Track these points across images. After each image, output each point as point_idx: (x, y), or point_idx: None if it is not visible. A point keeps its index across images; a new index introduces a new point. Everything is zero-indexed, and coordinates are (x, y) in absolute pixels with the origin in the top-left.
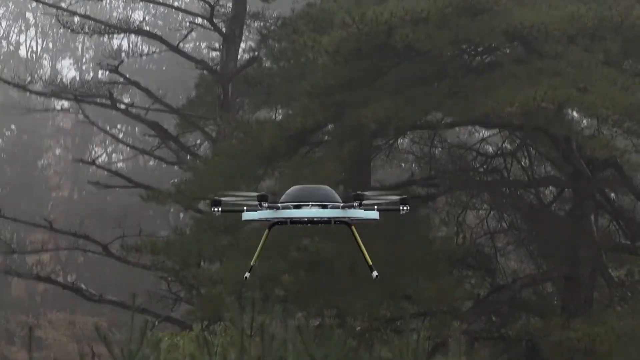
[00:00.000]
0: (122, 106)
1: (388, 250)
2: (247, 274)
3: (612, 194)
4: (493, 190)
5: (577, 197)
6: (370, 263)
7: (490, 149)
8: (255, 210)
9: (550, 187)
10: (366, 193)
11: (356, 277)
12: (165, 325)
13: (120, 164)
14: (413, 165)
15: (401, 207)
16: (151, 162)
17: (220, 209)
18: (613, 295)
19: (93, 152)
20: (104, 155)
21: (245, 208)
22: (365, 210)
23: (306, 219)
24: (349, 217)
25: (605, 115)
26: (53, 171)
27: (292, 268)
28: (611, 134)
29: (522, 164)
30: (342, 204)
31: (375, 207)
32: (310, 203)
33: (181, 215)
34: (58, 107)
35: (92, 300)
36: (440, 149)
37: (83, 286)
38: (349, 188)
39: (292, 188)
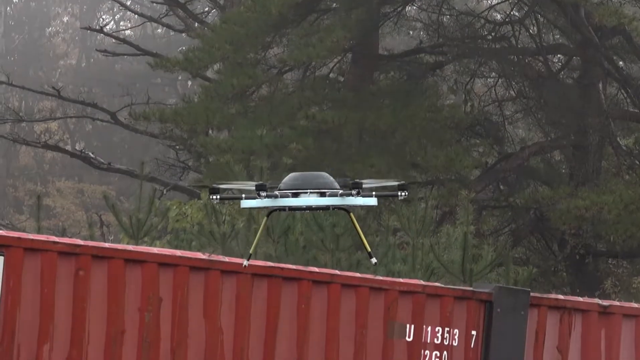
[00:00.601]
0: None
1: (396, 118)
2: (245, 262)
3: (620, 62)
4: (501, 58)
5: (585, 64)
6: (369, 250)
7: (499, 17)
8: (254, 198)
9: (559, 55)
10: (364, 181)
11: (364, 145)
12: (173, 194)
13: (128, 32)
14: (421, 33)
15: (399, 193)
16: (159, 30)
17: (218, 197)
18: (621, 164)
19: (101, 20)
20: (112, 22)
21: (243, 196)
22: (363, 197)
23: (304, 207)
24: (347, 205)
25: None
26: (61, 39)
27: (300, 136)
28: (620, 1)
29: (530, 31)
30: (340, 192)
31: (374, 193)
32: (309, 191)
33: (189, 83)
34: None
35: (101, 169)
36: (448, 16)
37: (91, 154)
38: (357, 55)
39: (290, 175)
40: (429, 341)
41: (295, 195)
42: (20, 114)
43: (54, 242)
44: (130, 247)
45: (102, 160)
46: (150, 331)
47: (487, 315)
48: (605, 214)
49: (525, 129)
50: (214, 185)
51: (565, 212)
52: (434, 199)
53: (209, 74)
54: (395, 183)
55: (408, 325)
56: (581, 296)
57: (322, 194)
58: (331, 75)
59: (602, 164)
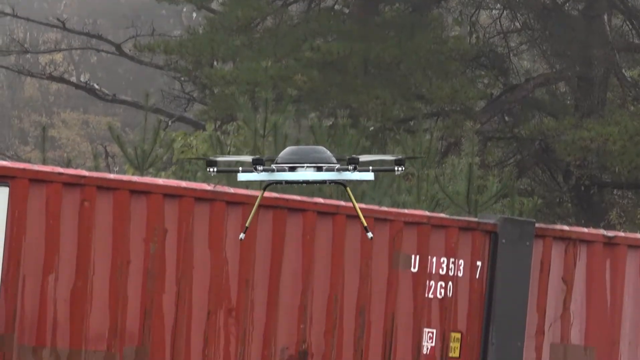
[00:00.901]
0: None
1: (401, 50)
2: (241, 235)
3: None
4: None
5: None
6: (365, 224)
7: None
8: (251, 172)
9: None
10: (360, 157)
11: (369, 76)
12: (178, 125)
13: None
14: None
15: (396, 168)
16: None
17: (215, 169)
18: (626, 95)
19: None
20: None
21: (240, 169)
22: (360, 172)
23: (301, 181)
24: (343, 180)
25: None
26: None
27: (305, 68)
28: None
29: None
30: (337, 167)
31: (370, 168)
32: (306, 165)
33: (194, 14)
34: None
35: (106, 100)
36: None
37: (96, 86)
38: None
39: (287, 149)
40: (434, 272)
41: (292, 169)
42: (25, 46)
43: (59, 173)
44: (135, 178)
45: (107, 92)
46: (156, 262)
47: (492, 246)
48: (610, 145)
49: (530, 60)
50: (211, 158)
51: (571, 143)
52: (439, 130)
53: (214, 5)
54: (392, 158)
55: (413, 256)
56: (586, 227)
57: (319, 169)
58: (336, 6)
59: (607, 95)
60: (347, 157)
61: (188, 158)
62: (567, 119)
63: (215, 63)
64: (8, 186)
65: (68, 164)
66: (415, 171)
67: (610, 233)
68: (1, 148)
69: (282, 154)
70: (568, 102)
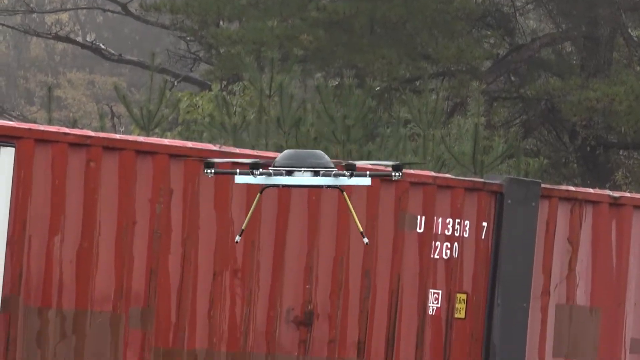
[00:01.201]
0: None
1: (407, 9)
2: (237, 238)
3: None
4: None
5: None
6: (362, 230)
7: None
8: (249, 175)
9: None
10: (358, 163)
11: (375, 36)
12: (184, 85)
13: None
14: None
15: (393, 174)
16: None
17: (213, 171)
18: (632, 55)
19: None
20: None
21: (238, 171)
22: (356, 177)
23: (298, 185)
24: (340, 185)
25: None
26: None
27: (311, 27)
28: None
29: None
30: (334, 172)
31: (368, 173)
32: (303, 169)
33: None
34: None
35: (111, 60)
36: None
37: (102, 46)
38: None
39: (285, 152)
40: (439, 232)
41: (289, 173)
42: (31, 5)
43: (65, 134)
44: (141, 139)
45: (112, 52)
46: (161, 222)
47: (498, 206)
48: (616, 106)
49: (536, 20)
50: (209, 160)
51: (576, 103)
52: (445, 90)
53: None
54: (390, 164)
55: (419, 217)
56: (592, 187)
57: (316, 173)
58: None
59: (613, 55)
60: (345, 163)
61: (194, 118)
62: (573, 79)
63: (221, 22)
64: (14, 147)
65: (74, 124)
66: (421, 131)
67: (616, 194)
68: (7, 108)
69: (279, 157)
70: (574, 62)
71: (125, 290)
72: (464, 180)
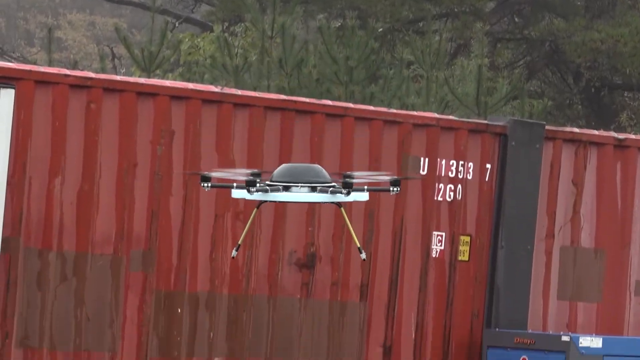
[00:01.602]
0: None
1: None
2: (234, 252)
3: None
4: None
5: None
6: (359, 245)
7: None
8: (244, 189)
9: None
10: (355, 174)
11: None
12: (185, 27)
13: None
14: None
15: (391, 189)
16: None
17: (210, 185)
18: None
19: None
20: None
21: (234, 185)
22: (354, 193)
23: (295, 202)
24: (337, 201)
25: None
26: None
27: None
28: None
29: None
30: (331, 189)
31: (365, 188)
32: (300, 185)
33: None
34: None
35: (112, 1)
36: None
37: None
38: None
39: (282, 166)
40: (443, 174)
41: (287, 188)
42: None
43: (65, 75)
44: (142, 80)
45: None
46: (162, 164)
47: (502, 148)
48: (620, 47)
49: None
50: (205, 174)
51: (581, 44)
52: (448, 31)
53: None
54: (388, 178)
55: (422, 159)
56: (596, 129)
57: (314, 189)
58: None
59: None
60: (342, 179)
61: (195, 59)
62: (577, 20)
63: None
64: (14, 88)
65: (74, 66)
66: (424, 73)
67: (621, 135)
68: (7, 49)
69: (276, 172)
70: (578, 3)
71: (126, 233)
72: (467, 122)
